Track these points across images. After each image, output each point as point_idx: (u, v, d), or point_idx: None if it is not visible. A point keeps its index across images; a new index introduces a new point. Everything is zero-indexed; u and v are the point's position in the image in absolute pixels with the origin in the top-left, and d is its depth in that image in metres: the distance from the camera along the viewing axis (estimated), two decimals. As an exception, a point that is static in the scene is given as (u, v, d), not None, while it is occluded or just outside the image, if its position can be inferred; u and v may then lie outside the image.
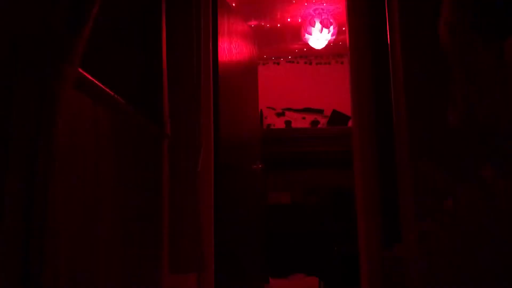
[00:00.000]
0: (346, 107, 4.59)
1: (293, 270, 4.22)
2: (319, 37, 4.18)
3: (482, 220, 2.04)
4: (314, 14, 4.21)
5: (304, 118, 5.16)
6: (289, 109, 5.19)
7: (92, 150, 1.21)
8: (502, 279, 1.89)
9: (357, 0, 2.58)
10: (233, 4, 3.85)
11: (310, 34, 4.17)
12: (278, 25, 4.42)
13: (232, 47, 3.07)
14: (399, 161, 2.37)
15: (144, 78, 1.86)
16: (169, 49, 2.01)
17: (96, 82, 1.20)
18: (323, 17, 4.19)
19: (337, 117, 5.00)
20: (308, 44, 4.32)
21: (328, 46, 4.39)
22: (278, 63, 5.30)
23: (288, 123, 5.11)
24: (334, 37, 4.24)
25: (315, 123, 5.09)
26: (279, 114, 5.19)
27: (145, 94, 1.86)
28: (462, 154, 2.19)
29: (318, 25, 4.16)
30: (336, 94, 5.02)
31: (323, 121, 5.10)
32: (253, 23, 4.34)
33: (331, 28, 4.16)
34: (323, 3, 4.07)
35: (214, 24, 2.72)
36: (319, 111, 5.15)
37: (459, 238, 2.09)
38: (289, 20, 4.32)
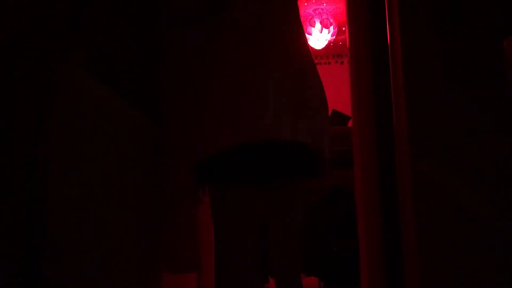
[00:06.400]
0: (346, 107, 4.57)
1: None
2: (319, 37, 4.17)
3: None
4: (314, 14, 4.21)
5: (304, 118, 5.15)
6: (289, 109, 5.18)
7: (91, 149, 1.21)
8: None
9: (357, 0, 2.58)
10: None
11: (310, 34, 4.17)
12: (279, 25, 4.41)
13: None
14: (399, 161, 2.36)
15: (144, 78, 1.86)
16: (169, 49, 2.01)
17: (96, 82, 1.20)
18: (323, 17, 4.19)
19: (337, 117, 4.98)
20: (308, 44, 4.32)
21: (328, 46, 4.38)
22: (278, 63, 5.30)
23: (288, 123, 5.09)
24: (334, 37, 4.24)
25: (315, 123, 5.08)
26: (280, 114, 5.18)
27: (145, 94, 1.86)
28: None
29: (318, 25, 4.16)
30: (336, 94, 5.00)
31: (323, 121, 5.09)
32: (253, 23, 4.33)
33: (331, 28, 4.16)
34: (323, 3, 4.06)
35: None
36: (319, 111, 5.14)
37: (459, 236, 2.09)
38: (289, 20, 4.31)
